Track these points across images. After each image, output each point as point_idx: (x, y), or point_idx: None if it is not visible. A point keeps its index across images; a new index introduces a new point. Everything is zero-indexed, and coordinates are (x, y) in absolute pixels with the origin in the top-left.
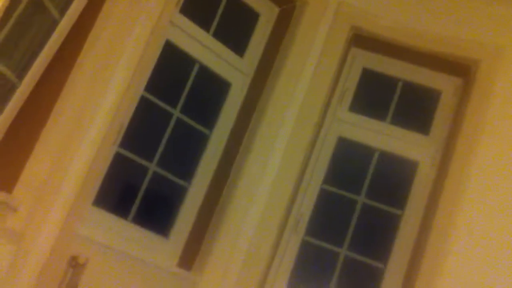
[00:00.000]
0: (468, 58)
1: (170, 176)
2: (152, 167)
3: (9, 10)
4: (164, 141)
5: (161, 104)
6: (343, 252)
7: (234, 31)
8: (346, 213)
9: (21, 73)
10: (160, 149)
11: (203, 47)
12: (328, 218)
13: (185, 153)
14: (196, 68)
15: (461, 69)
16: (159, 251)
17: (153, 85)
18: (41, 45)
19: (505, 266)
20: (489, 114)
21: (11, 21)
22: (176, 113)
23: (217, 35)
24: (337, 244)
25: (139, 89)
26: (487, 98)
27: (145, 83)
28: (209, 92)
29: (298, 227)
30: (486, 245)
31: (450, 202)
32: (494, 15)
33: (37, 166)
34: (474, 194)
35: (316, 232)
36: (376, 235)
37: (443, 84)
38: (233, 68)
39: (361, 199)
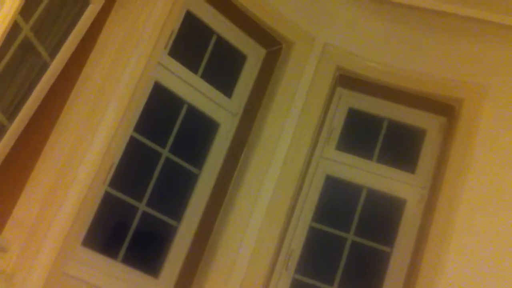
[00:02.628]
0: (452, 98)
1: (159, 216)
2: (142, 206)
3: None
4: (153, 180)
5: (151, 144)
6: None
7: (222, 73)
8: (336, 251)
9: (11, 114)
10: (150, 188)
11: (191, 88)
12: (318, 255)
13: (174, 193)
14: (184, 109)
15: (445, 108)
16: None
17: (142, 126)
18: (31, 87)
19: None
20: (474, 152)
21: (2, 63)
22: (165, 152)
23: (205, 76)
24: (328, 282)
25: (128, 129)
26: (472, 136)
27: (134, 124)
28: (197, 132)
29: (288, 264)
30: (475, 282)
31: (438, 239)
32: (477, 55)
33: (27, 207)
34: (462, 230)
35: (306, 270)
36: (366, 272)
37: (428, 122)
38: (221, 109)
39: (350, 236)
